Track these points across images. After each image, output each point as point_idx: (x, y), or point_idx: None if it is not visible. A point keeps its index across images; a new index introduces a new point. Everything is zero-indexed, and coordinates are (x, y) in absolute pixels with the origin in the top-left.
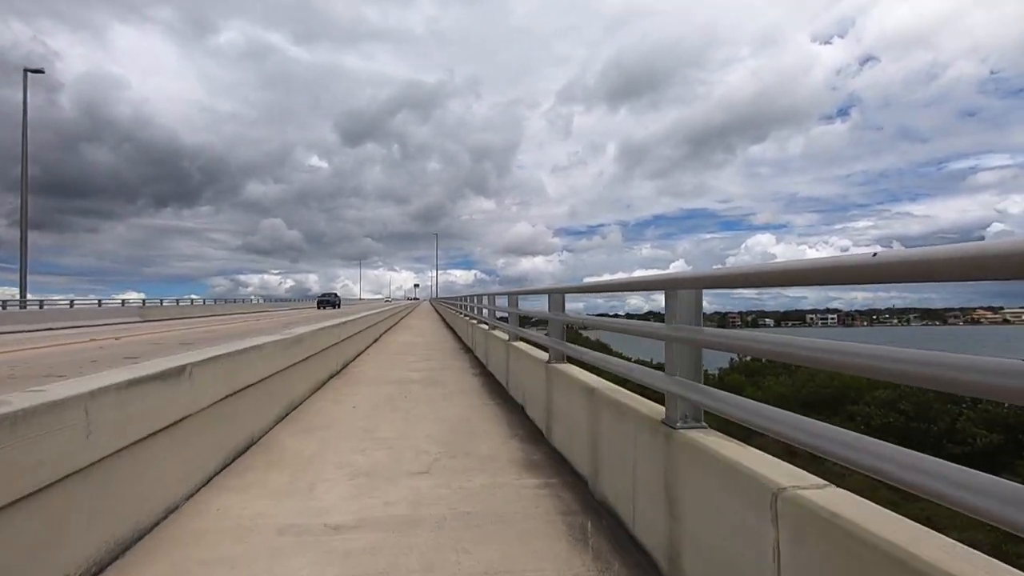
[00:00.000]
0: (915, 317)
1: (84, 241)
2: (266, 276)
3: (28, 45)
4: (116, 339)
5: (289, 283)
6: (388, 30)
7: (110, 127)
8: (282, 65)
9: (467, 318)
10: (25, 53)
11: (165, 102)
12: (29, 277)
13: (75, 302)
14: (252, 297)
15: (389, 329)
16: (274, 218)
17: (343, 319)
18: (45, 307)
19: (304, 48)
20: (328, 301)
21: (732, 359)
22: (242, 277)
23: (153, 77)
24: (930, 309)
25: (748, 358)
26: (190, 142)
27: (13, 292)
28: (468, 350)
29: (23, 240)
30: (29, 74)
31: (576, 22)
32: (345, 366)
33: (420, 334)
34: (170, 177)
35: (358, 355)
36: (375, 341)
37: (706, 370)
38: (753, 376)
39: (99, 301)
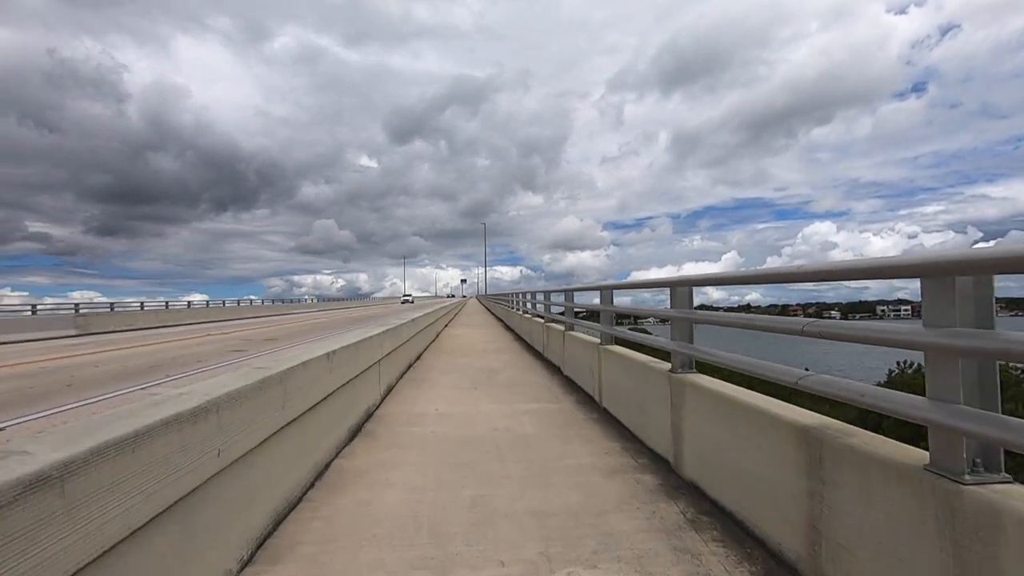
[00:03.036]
0: (1001, 307)
1: (152, 245)
2: (319, 276)
3: (98, 59)
4: None
5: (341, 283)
6: (436, 27)
7: (174, 135)
8: (333, 67)
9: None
10: (95, 66)
11: (223, 108)
12: (106, 282)
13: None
14: (309, 297)
15: (410, 371)
16: (326, 219)
17: None
18: None
19: (354, 50)
20: None
21: (890, 371)
22: (296, 278)
23: (212, 85)
24: (1013, 298)
25: (909, 369)
26: (247, 146)
27: (92, 296)
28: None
29: None
30: None
31: (627, 10)
32: None
33: (489, 387)
34: (228, 181)
35: None
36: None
37: None
38: None
39: (33, 307)
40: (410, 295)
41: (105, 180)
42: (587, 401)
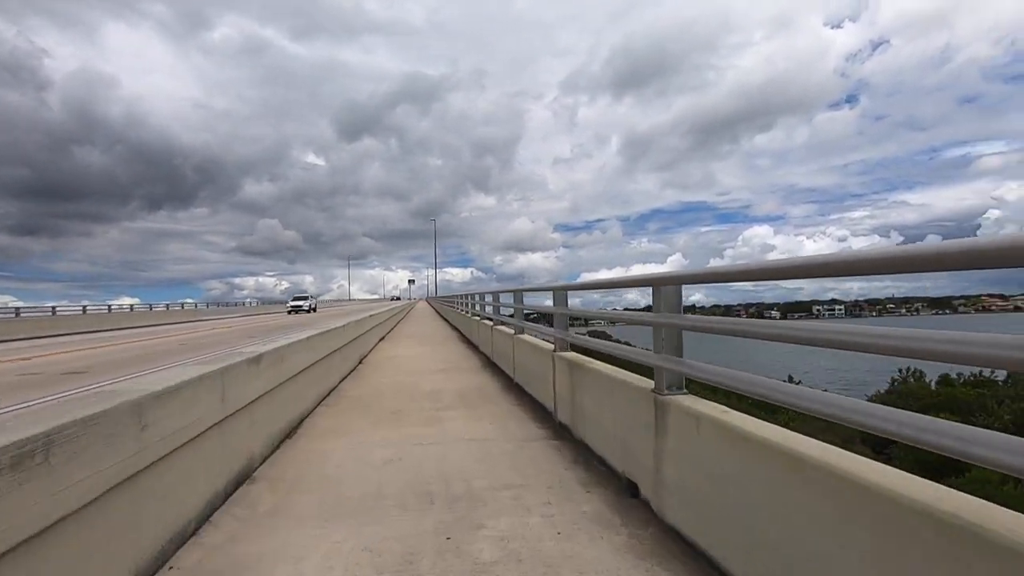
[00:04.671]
0: (923, 306)
1: (78, 245)
2: (261, 278)
3: (13, 42)
4: None
5: (285, 285)
6: (388, 22)
7: (102, 127)
8: (279, 60)
9: None
10: (10, 50)
11: (158, 100)
12: (25, 284)
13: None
14: (251, 300)
15: (224, 512)
16: (270, 219)
17: None
18: None
19: (302, 43)
20: None
21: (893, 379)
22: (237, 280)
23: (146, 75)
24: (934, 298)
25: (912, 375)
26: (184, 141)
27: (7, 301)
28: None
29: None
30: None
31: (581, 11)
32: None
33: None
34: (164, 178)
35: None
36: None
37: None
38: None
39: None
40: (307, 297)
41: (24, 175)
42: None
